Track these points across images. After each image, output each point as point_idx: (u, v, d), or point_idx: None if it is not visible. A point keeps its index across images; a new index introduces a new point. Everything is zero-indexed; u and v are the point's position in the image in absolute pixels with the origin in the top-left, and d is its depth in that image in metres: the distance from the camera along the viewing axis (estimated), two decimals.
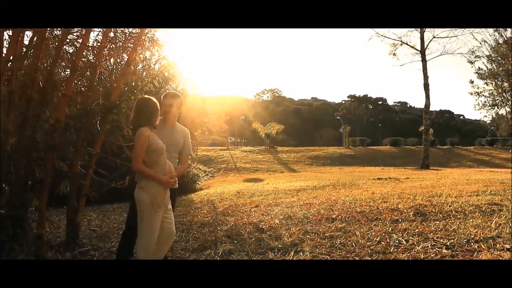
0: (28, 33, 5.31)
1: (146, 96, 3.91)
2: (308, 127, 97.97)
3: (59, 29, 5.41)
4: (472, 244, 4.34)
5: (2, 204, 5.09)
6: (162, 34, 5.79)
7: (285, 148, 45.64)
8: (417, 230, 5.06)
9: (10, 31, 4.92)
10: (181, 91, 14.00)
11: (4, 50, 4.95)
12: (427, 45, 30.03)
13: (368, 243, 4.71)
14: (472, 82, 33.63)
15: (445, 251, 4.19)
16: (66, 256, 4.90)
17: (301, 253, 4.60)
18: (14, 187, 5.08)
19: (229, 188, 14.51)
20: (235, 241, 5.32)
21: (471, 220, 5.43)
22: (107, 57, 6.15)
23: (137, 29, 5.55)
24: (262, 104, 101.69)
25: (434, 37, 30.25)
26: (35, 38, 5.18)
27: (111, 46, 5.87)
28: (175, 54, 6.00)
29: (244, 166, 32.82)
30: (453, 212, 5.98)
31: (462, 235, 4.66)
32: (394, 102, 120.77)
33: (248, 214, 7.20)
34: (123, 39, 5.86)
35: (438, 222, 5.46)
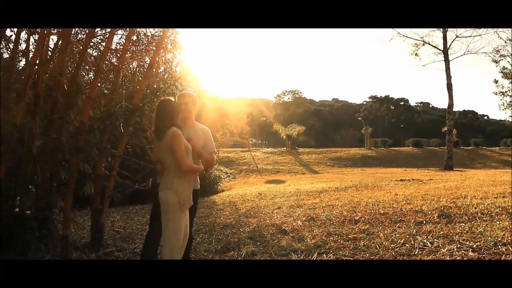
0: (53, 37, 5.40)
1: (166, 97, 3.92)
2: (329, 128, 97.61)
3: (83, 32, 5.49)
4: (499, 246, 4.21)
5: (28, 205, 5.19)
6: (183, 36, 5.83)
7: (306, 150, 45.42)
8: (442, 232, 4.95)
9: (36, 36, 5.01)
10: (201, 93, 14.09)
11: (31, 54, 5.05)
12: (450, 45, 29.50)
13: (392, 245, 4.63)
14: (496, 81, 33.05)
15: (472, 253, 4.08)
16: (91, 257, 4.95)
17: (324, 255, 4.57)
18: (40, 188, 5.17)
19: (251, 189, 14.51)
20: (258, 243, 5.31)
21: (497, 222, 5.28)
22: (130, 60, 6.20)
23: (160, 32, 5.59)
24: (283, 106, 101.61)
25: (457, 36, 29.64)
26: (60, 42, 5.26)
27: (134, 49, 5.92)
28: (195, 56, 6.03)
29: (266, 167, 32.73)
30: (479, 214, 5.83)
31: (489, 238, 4.53)
32: (416, 103, 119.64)
33: (271, 216, 7.18)
34: (146, 42, 5.91)
35: (463, 224, 5.33)
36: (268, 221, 6.63)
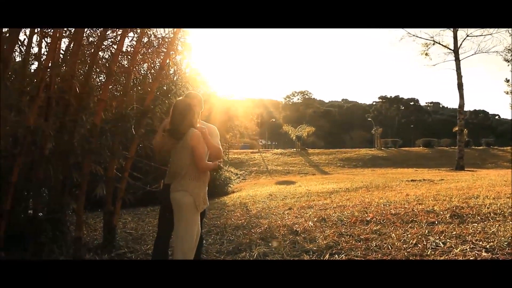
0: (65, 40, 5.45)
1: (185, 98, 3.92)
2: (338, 129, 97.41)
3: (94, 35, 5.53)
4: None
5: (41, 207, 5.23)
6: (192, 38, 5.85)
7: (316, 150, 45.33)
8: (454, 233, 4.90)
9: (49, 39, 5.06)
10: (210, 95, 14.14)
11: (43, 57, 5.10)
12: (461, 44, 29.27)
13: (404, 246, 4.59)
14: (508, 80, 32.70)
15: (485, 254, 4.04)
16: (103, 258, 4.98)
17: (336, 256, 4.55)
18: (52, 190, 5.21)
19: (261, 190, 14.50)
20: (270, 244, 5.30)
21: (511, 223, 5.24)
22: (141, 62, 6.24)
23: (170, 33, 5.62)
24: (292, 107, 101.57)
25: (467, 35, 29.42)
26: (72, 45, 5.31)
27: (145, 51, 5.95)
28: (204, 58, 6.07)
29: (276, 168, 32.73)
30: (492, 214, 5.77)
31: (503, 238, 4.48)
32: (426, 103, 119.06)
33: (282, 217, 7.16)
34: (156, 44, 5.94)
35: (476, 225, 5.28)
36: (279, 222, 6.61)
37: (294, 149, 46.26)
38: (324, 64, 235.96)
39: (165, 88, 6.69)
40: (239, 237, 5.83)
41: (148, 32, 5.73)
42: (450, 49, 29.65)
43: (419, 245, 4.55)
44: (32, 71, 5.50)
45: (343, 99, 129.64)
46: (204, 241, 5.07)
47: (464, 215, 5.83)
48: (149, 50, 6.03)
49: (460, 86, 28.63)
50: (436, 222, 5.58)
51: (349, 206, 7.56)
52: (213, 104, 14.12)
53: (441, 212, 6.11)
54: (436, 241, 4.63)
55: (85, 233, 5.67)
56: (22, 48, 5.25)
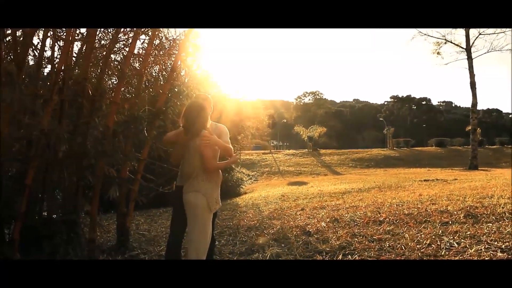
0: (77, 43, 5.50)
1: (200, 99, 3.94)
2: (350, 129, 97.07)
3: (106, 38, 5.57)
4: None
5: (55, 209, 5.27)
6: (203, 39, 5.87)
7: (328, 151, 45.19)
8: (469, 233, 4.85)
9: (62, 42, 5.11)
10: (221, 96, 14.16)
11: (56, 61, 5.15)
12: (473, 43, 28.99)
13: (418, 246, 4.55)
14: None
15: (500, 254, 3.99)
16: (117, 259, 5.01)
17: (349, 256, 4.53)
18: (66, 192, 5.25)
19: (274, 191, 14.49)
20: (283, 245, 5.29)
21: None
22: (153, 64, 6.27)
23: (182, 35, 5.64)
24: (304, 107, 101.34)
25: (480, 34, 29.14)
26: (84, 48, 5.35)
27: (156, 53, 5.98)
28: (215, 59, 6.08)
29: (288, 169, 32.68)
30: (507, 214, 5.68)
31: None
32: (438, 102, 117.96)
33: (294, 217, 7.14)
34: (168, 46, 5.97)
35: (491, 224, 5.21)
36: (292, 222, 6.59)
37: (306, 150, 46.17)
38: (335, 64, 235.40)
39: (176, 90, 6.71)
40: (252, 238, 5.83)
41: (160, 34, 5.76)
42: (462, 47, 29.41)
43: (433, 246, 4.51)
44: (46, 74, 5.56)
45: (354, 99, 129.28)
46: (216, 242, 5.09)
47: (479, 215, 5.76)
48: (161, 52, 6.06)
49: (472, 84, 28.36)
50: (450, 222, 5.52)
51: (361, 207, 7.52)
52: (224, 105, 14.12)
53: (455, 212, 6.05)
54: (450, 241, 4.59)
55: (98, 234, 5.71)
56: (35, 52, 5.31)
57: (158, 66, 6.52)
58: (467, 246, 4.35)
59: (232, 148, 3.92)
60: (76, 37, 5.32)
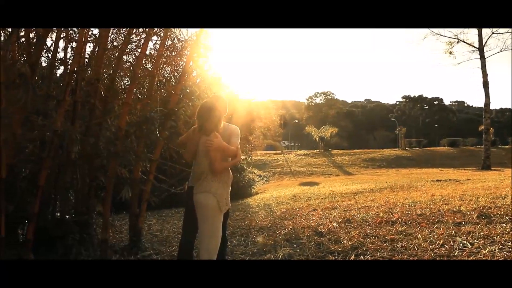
0: (90, 45, 5.53)
1: (215, 100, 3.94)
2: (362, 129, 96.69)
3: (118, 39, 5.60)
4: None
5: (68, 210, 5.31)
6: (214, 40, 5.88)
7: (340, 151, 45.04)
8: (482, 233, 4.79)
9: (74, 43, 5.14)
10: (233, 97, 14.18)
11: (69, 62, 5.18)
12: (486, 42, 28.67)
13: (431, 246, 4.51)
14: None
15: None
16: (130, 259, 5.03)
17: (361, 256, 4.50)
18: (79, 193, 5.29)
19: (285, 192, 14.45)
20: (295, 245, 5.27)
21: None
22: (164, 65, 6.29)
23: (193, 36, 5.65)
24: (315, 107, 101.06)
25: (493, 33, 28.81)
26: (97, 49, 5.38)
27: (168, 54, 6.00)
28: (226, 60, 6.09)
29: (299, 169, 32.60)
30: None
31: None
32: (450, 102, 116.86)
33: (306, 218, 7.11)
34: (179, 47, 5.99)
35: (504, 225, 5.13)
36: (303, 223, 6.56)
37: (317, 150, 46.03)
38: (347, 64, 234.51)
39: (188, 90, 6.73)
40: (264, 238, 5.82)
41: (171, 35, 5.77)
42: (474, 47, 29.08)
43: (446, 246, 4.46)
44: (59, 75, 5.60)
45: (366, 99, 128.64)
46: (228, 243, 5.08)
47: (492, 215, 5.69)
48: (172, 53, 6.08)
49: (485, 84, 28.05)
50: (463, 222, 5.46)
51: (374, 207, 7.47)
52: (236, 106, 14.16)
53: (468, 213, 5.99)
54: (464, 241, 4.54)
55: (111, 235, 5.73)
56: (49, 53, 5.35)
57: (170, 67, 6.54)
58: (481, 246, 4.30)
59: (239, 148, 3.90)
60: (88, 39, 5.36)
